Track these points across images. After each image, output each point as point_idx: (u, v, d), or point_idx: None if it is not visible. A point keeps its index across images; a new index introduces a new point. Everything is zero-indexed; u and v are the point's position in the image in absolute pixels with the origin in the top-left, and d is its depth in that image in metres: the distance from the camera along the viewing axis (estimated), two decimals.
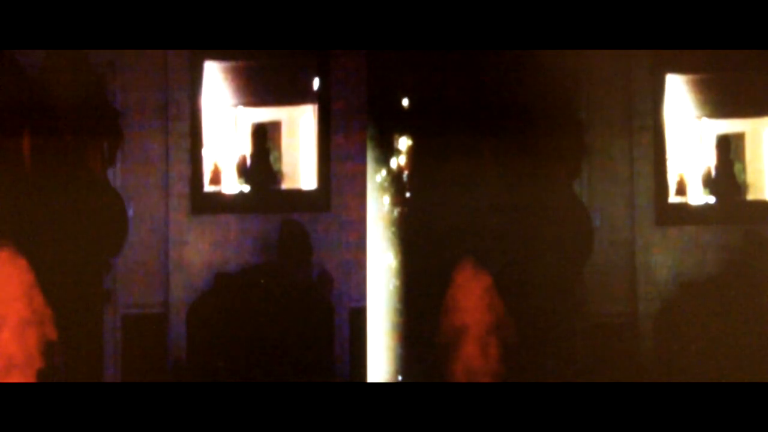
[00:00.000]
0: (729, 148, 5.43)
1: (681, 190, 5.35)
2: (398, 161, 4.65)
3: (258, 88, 5.39)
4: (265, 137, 5.44)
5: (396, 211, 4.58)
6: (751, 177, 5.44)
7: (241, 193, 5.28)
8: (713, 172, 5.40)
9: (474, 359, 4.21)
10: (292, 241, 5.09)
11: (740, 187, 5.43)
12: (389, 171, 4.63)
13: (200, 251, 5.05)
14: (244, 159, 5.37)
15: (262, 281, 4.88)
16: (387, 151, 4.65)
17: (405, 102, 4.60)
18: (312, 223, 5.16)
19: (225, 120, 5.36)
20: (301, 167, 5.47)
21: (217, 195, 5.22)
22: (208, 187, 5.19)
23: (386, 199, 4.61)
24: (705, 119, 5.39)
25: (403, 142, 4.63)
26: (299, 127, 5.49)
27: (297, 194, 5.35)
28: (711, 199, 5.38)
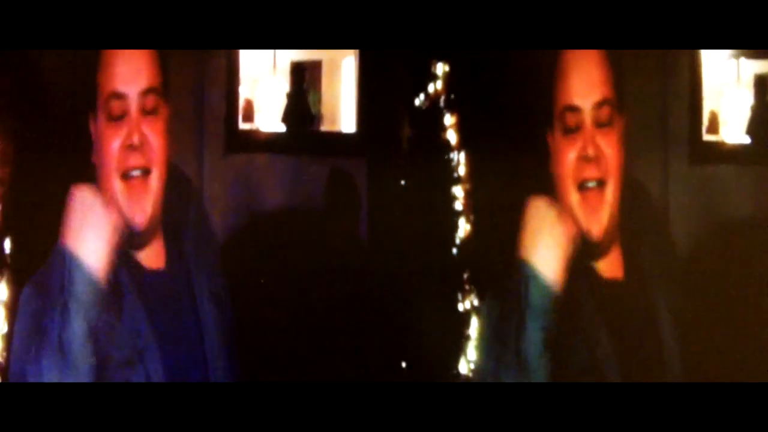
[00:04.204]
0: (766, 89, 5.37)
1: (715, 129, 5.30)
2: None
3: None
4: (302, 77, 5.38)
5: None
6: None
7: (277, 133, 5.22)
8: (749, 112, 5.34)
9: None
10: (340, 189, 5.00)
11: None
12: None
13: (233, 190, 5.02)
14: (281, 98, 5.33)
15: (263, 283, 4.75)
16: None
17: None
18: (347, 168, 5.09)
19: (263, 58, 5.31)
20: (341, 110, 5.40)
21: (252, 133, 5.15)
22: (242, 125, 5.11)
23: None
24: (742, 58, 5.33)
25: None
26: (341, 69, 5.42)
27: (334, 137, 5.28)
28: (746, 139, 5.32)
